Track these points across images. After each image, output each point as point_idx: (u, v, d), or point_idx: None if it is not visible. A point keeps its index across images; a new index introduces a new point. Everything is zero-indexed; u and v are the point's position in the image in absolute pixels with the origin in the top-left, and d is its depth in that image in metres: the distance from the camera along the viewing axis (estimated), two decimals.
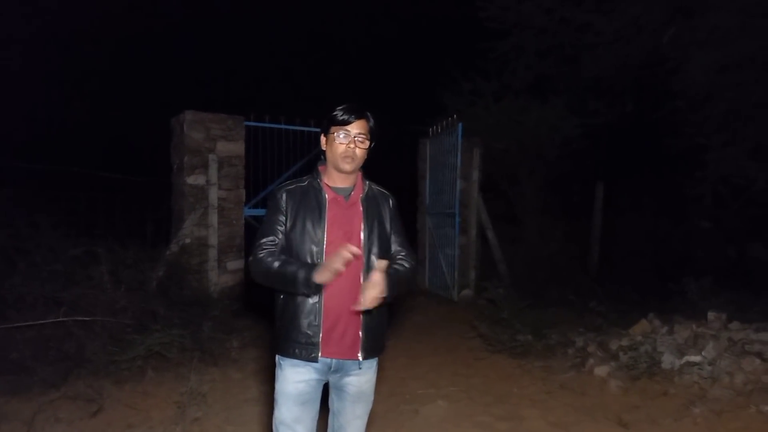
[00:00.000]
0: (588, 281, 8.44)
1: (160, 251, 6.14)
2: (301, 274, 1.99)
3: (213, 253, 6.42)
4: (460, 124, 7.39)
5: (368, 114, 2.16)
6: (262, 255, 2.07)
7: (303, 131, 7.34)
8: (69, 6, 10.44)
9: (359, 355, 2.11)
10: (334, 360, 2.10)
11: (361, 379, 2.17)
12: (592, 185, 9.56)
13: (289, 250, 2.11)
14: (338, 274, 1.94)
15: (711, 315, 4.67)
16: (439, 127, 7.99)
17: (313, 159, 7.51)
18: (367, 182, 2.25)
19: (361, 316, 2.09)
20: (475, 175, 8.07)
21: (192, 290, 6.03)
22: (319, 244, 2.08)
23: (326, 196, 2.14)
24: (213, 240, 6.42)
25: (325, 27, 13.86)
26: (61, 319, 4.47)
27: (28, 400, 3.90)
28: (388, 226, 2.21)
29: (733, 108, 7.39)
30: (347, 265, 1.93)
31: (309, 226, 2.10)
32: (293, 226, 2.11)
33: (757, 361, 3.89)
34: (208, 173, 6.40)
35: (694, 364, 4.08)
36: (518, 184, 9.10)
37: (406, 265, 2.19)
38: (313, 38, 13.88)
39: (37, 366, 4.21)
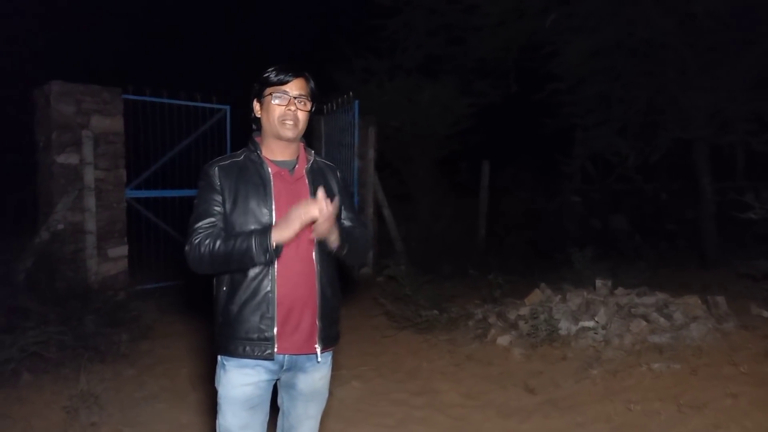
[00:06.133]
0: (478, 255, 8.83)
1: (25, 239, 5.45)
2: (255, 239, 1.76)
3: (91, 240, 5.80)
4: (356, 102, 7.29)
5: (307, 74, 1.94)
6: (199, 239, 1.80)
7: (189, 106, 6.82)
8: None
9: (316, 347, 1.91)
10: (287, 356, 1.89)
11: (315, 376, 1.98)
12: (479, 164, 9.96)
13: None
14: (298, 234, 1.76)
15: (598, 282, 5.03)
16: (334, 105, 7.83)
17: (202, 136, 7.06)
18: (312, 153, 2.02)
19: (317, 301, 1.90)
20: (371, 153, 8.03)
21: (68, 281, 5.45)
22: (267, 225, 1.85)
23: (269, 170, 1.90)
24: (90, 225, 5.80)
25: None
26: None
27: None
28: (337, 200, 1.98)
29: (604, 90, 8.00)
30: (306, 226, 1.76)
31: (253, 204, 1.85)
32: (234, 206, 1.85)
33: (643, 323, 4.26)
34: (82, 151, 5.74)
35: (589, 328, 4.38)
36: (411, 162, 9.23)
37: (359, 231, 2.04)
38: (195, 10, 12.96)
39: None
